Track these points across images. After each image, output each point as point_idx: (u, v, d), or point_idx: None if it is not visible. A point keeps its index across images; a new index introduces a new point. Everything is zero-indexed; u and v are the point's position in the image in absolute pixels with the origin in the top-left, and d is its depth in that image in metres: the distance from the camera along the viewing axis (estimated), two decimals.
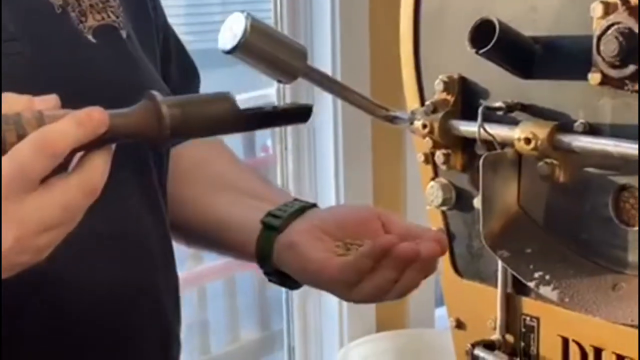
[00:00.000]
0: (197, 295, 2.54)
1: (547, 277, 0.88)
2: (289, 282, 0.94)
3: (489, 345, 0.96)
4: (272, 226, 0.92)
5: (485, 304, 0.97)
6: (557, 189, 0.88)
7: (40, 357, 0.79)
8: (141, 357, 0.88)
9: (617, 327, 0.85)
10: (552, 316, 0.92)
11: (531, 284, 0.88)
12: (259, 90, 2.26)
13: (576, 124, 0.84)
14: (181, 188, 1.01)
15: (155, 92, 0.69)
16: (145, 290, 0.88)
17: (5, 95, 0.64)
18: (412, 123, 0.95)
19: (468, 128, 0.91)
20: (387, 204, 2.02)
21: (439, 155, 0.95)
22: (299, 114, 0.76)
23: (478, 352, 0.96)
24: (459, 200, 0.98)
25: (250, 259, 0.95)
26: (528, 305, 0.94)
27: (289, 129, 1.98)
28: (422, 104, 0.97)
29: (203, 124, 0.71)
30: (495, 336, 0.97)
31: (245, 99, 2.28)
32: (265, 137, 2.43)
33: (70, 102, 0.82)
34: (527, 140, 0.85)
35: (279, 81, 0.91)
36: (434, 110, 0.93)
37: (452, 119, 0.92)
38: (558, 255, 0.88)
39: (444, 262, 1.02)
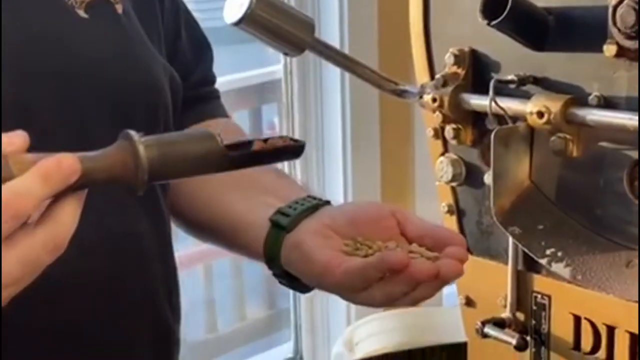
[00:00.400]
0: (204, 273, 2.53)
1: (560, 253, 0.86)
2: (299, 285, 0.88)
3: (499, 323, 0.95)
4: (281, 225, 0.87)
5: (496, 281, 0.96)
6: (570, 164, 0.86)
7: (26, 350, 0.77)
8: (130, 352, 0.85)
9: (630, 305, 0.83)
10: (564, 294, 0.90)
11: (543, 261, 0.87)
12: (266, 68, 2.25)
13: (590, 97, 0.82)
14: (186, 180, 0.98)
15: (131, 132, 0.64)
16: (135, 285, 0.84)
17: None
18: (421, 97, 0.93)
19: (479, 102, 0.89)
20: (395, 181, 2.00)
21: (449, 130, 0.93)
22: (291, 151, 0.71)
23: (488, 330, 0.94)
24: (469, 176, 0.96)
25: (259, 259, 0.89)
26: (539, 282, 0.93)
27: (296, 106, 1.96)
28: (432, 77, 0.95)
29: (184, 166, 0.65)
30: (506, 314, 0.95)
31: (252, 76, 2.26)
32: (272, 114, 2.41)
33: (59, 84, 0.79)
34: (540, 114, 0.83)
35: (286, 54, 0.89)
36: (444, 84, 0.91)
37: (462, 93, 0.91)
38: (571, 231, 0.87)
39: None
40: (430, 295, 0.78)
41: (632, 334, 0.85)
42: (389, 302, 0.79)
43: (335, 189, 1.98)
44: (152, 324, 0.87)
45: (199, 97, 1.00)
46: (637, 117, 0.77)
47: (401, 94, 0.95)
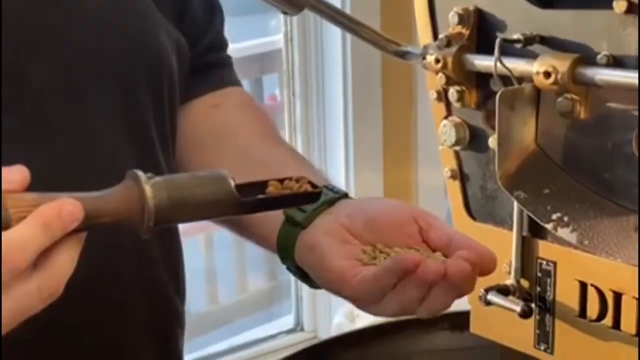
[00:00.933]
0: (204, 243, 2.51)
1: (566, 218, 0.84)
2: (311, 281, 0.84)
3: (503, 291, 0.93)
4: (296, 221, 0.82)
5: (500, 247, 0.93)
6: (578, 126, 0.84)
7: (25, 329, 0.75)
8: (130, 333, 0.82)
9: (638, 270, 0.81)
10: (570, 260, 0.88)
11: (549, 226, 0.84)
12: (267, 37, 2.22)
13: (599, 56, 0.79)
14: (199, 156, 0.92)
15: (138, 172, 0.61)
16: (134, 264, 0.81)
17: None
18: (424, 58, 0.91)
19: (484, 62, 0.87)
20: (397, 146, 1.98)
21: (453, 92, 0.91)
22: (307, 198, 0.68)
23: (491, 297, 0.92)
24: (473, 140, 0.94)
25: (272, 251, 0.86)
26: (545, 248, 0.90)
27: (297, 72, 1.93)
28: (435, 38, 0.92)
29: (193, 211, 0.62)
30: (510, 281, 0.93)
31: (253, 46, 2.23)
32: (273, 86, 2.39)
33: (56, 48, 0.76)
34: (547, 74, 0.80)
35: (285, 13, 0.86)
36: (448, 44, 0.89)
37: (466, 53, 0.88)
38: (578, 195, 0.84)
39: (456, 204, 0.98)
40: (446, 303, 0.75)
41: (639, 300, 0.83)
42: (404, 311, 0.75)
43: (337, 157, 1.96)
44: (155, 305, 0.84)
45: (209, 63, 0.96)
46: None
47: (403, 55, 0.93)
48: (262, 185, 0.67)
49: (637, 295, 0.83)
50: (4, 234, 0.55)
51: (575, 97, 0.81)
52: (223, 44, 0.99)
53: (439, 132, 0.95)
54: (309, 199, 0.68)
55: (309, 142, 1.96)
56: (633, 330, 0.84)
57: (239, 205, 0.63)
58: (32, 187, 0.70)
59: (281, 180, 0.68)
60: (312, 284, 0.84)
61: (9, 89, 0.72)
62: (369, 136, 1.94)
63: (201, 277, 2.46)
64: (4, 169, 0.58)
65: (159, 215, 0.60)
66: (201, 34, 0.94)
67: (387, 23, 1.80)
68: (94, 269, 0.73)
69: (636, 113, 0.80)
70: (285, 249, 0.83)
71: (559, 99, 0.81)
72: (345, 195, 0.84)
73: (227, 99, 0.96)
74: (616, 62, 0.79)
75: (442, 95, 0.94)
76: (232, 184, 0.63)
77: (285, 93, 1.98)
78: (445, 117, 0.95)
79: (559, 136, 0.86)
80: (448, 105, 0.95)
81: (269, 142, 0.93)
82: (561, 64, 0.80)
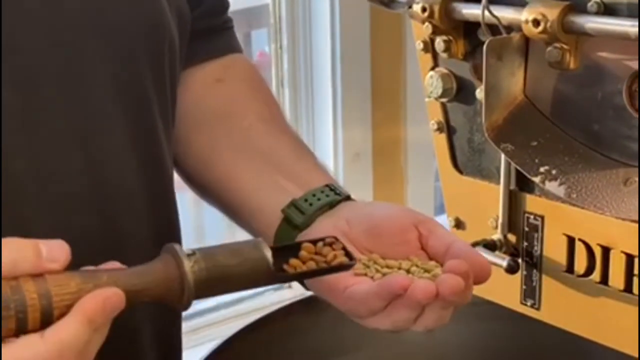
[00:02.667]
0: (193, 199, 2.49)
1: (554, 171, 0.82)
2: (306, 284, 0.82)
3: (490, 245, 0.91)
4: (294, 223, 0.80)
5: (486, 201, 0.92)
6: (567, 77, 0.82)
7: None
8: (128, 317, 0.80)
9: (627, 224, 0.80)
10: (558, 214, 0.86)
11: (536, 179, 0.83)
12: (256, 1, 2.18)
13: (590, 4, 0.77)
14: (200, 136, 0.88)
15: (176, 247, 0.61)
16: (127, 241, 0.77)
17: (7, 242, 0.56)
18: (410, 7, 0.88)
19: (471, 11, 0.84)
20: (385, 99, 1.95)
21: (439, 42, 0.89)
22: (340, 270, 0.68)
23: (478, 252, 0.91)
24: (460, 91, 0.92)
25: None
26: (532, 202, 0.89)
27: (284, 26, 1.90)
28: None
29: (231, 285, 0.63)
30: (497, 236, 0.92)
31: (242, 10, 2.20)
32: (263, 43, 2.36)
33: (51, 22, 0.71)
34: (536, 22, 0.78)
35: None
36: None
37: (454, 2, 0.86)
38: (566, 148, 0.83)
39: (442, 158, 0.97)
40: (442, 318, 0.71)
41: (628, 255, 0.81)
42: (397, 329, 0.72)
43: (325, 113, 1.94)
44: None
45: (211, 28, 0.90)
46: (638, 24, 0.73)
47: (389, 4, 0.90)
48: (295, 248, 0.68)
49: (625, 250, 0.82)
50: (52, 334, 0.56)
51: (565, 46, 0.79)
52: (224, 6, 0.93)
53: (425, 83, 0.93)
54: (343, 270, 0.69)
55: (296, 96, 1.93)
56: (621, 286, 0.83)
57: (275, 278, 0.65)
58: (29, 166, 0.68)
59: (314, 242, 0.69)
60: (306, 286, 0.82)
61: (6, 59, 0.68)
62: (357, 91, 1.91)
63: (189, 235, 2.45)
64: (45, 244, 0.57)
65: (198, 292, 0.61)
66: None
67: None
68: (89, 241, 0.72)
69: (627, 63, 0.78)
70: None
71: (548, 49, 0.79)
72: (348, 197, 0.82)
73: (230, 72, 0.91)
74: (607, 9, 0.76)
75: (429, 46, 0.92)
76: (270, 258, 0.64)
77: (273, 47, 1.95)
78: (432, 69, 0.93)
79: (547, 87, 0.84)
80: (435, 56, 0.92)
81: (274, 128, 0.89)
82: (551, 11, 0.77)
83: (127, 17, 0.75)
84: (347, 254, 0.68)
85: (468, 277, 0.69)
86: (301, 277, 0.69)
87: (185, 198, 2.58)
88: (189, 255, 0.61)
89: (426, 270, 0.72)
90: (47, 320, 0.56)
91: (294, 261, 0.67)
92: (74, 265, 0.59)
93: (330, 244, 0.69)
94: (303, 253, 0.68)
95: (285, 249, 0.68)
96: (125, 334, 0.64)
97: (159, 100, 0.78)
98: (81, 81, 0.72)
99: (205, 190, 0.89)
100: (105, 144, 0.73)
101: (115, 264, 0.61)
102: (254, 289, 0.68)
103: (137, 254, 0.77)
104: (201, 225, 2.54)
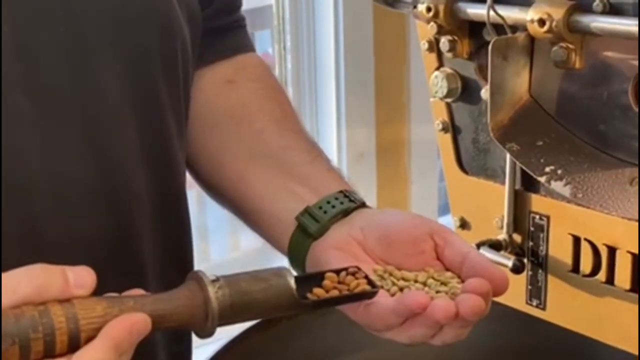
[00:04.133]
0: (196, 199, 2.49)
1: (560, 171, 0.82)
2: None
3: (495, 245, 0.91)
4: (308, 232, 0.79)
5: (492, 201, 0.92)
6: (572, 77, 0.82)
7: None
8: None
9: (633, 224, 0.80)
10: (563, 214, 0.86)
11: (542, 179, 0.83)
12: (259, 2, 2.19)
13: (595, 3, 0.77)
14: (211, 138, 0.87)
15: (201, 274, 0.61)
16: (135, 246, 0.76)
17: (35, 268, 0.57)
18: (415, 7, 0.88)
19: (476, 10, 0.84)
20: (389, 99, 1.95)
21: (444, 42, 0.89)
22: (363, 297, 0.68)
23: (483, 252, 0.91)
24: (465, 91, 0.92)
25: (281, 252, 0.83)
26: (537, 202, 0.89)
27: (287, 27, 1.90)
28: None
29: (255, 313, 0.64)
30: (502, 236, 0.92)
31: (245, 11, 2.20)
32: (266, 44, 2.36)
33: (66, 27, 0.69)
34: (541, 22, 0.78)
35: None
36: None
37: (459, 1, 0.86)
38: (571, 148, 0.82)
39: (447, 158, 0.96)
40: (460, 335, 0.70)
41: (634, 255, 0.81)
42: (414, 344, 0.72)
43: (328, 113, 1.94)
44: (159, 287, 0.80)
45: (222, 27, 0.89)
46: None
47: (394, 4, 0.91)
48: (319, 277, 0.68)
49: (631, 250, 0.82)
50: (79, 358, 0.56)
51: (570, 45, 0.79)
52: (236, 4, 0.92)
53: (430, 83, 0.93)
54: (366, 298, 0.69)
55: (300, 97, 1.93)
56: (627, 286, 0.83)
57: (299, 305, 0.65)
58: (42, 169, 0.68)
59: (337, 272, 0.69)
60: None
61: (13, 69, 0.68)
62: (360, 91, 1.91)
63: (192, 234, 2.45)
64: (72, 270, 0.58)
65: (222, 318, 0.62)
66: None
67: None
68: (95, 245, 0.72)
69: (633, 62, 0.78)
70: (296, 258, 0.80)
71: (554, 48, 0.79)
72: (362, 204, 0.80)
73: (241, 73, 0.89)
74: (612, 9, 0.76)
75: (434, 46, 0.92)
76: (294, 286, 0.64)
77: (277, 48, 1.95)
78: (437, 68, 0.93)
79: (553, 87, 0.84)
80: (439, 55, 0.92)
81: (286, 130, 0.88)
82: (556, 11, 0.77)
83: (138, 19, 0.74)
84: (370, 282, 0.68)
85: (488, 295, 0.69)
86: (324, 305, 0.68)
87: (188, 197, 2.57)
88: (213, 281, 0.62)
89: (443, 283, 0.71)
90: (74, 343, 0.57)
91: (317, 290, 0.67)
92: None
93: (353, 274, 0.69)
94: (326, 282, 0.68)
95: (309, 278, 0.69)
96: (142, 340, 0.64)
97: (172, 102, 0.78)
98: (94, 84, 0.72)
99: (217, 192, 0.88)
100: (118, 147, 0.73)
101: (139, 291, 0.62)
102: (277, 316, 0.68)
103: (149, 255, 0.77)
104: (204, 225, 2.54)
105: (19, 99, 0.68)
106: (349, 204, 0.79)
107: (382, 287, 0.72)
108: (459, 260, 0.73)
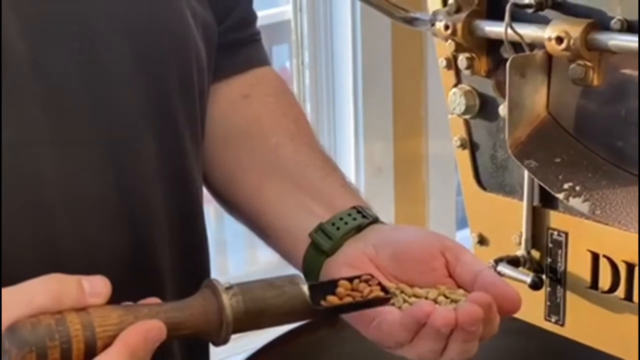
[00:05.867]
0: (215, 214, 2.50)
1: (578, 188, 0.82)
2: None
3: (513, 262, 0.92)
4: (322, 249, 0.79)
5: (510, 218, 0.92)
6: (590, 94, 0.82)
7: None
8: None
9: None
10: (582, 230, 0.86)
11: (560, 196, 0.83)
12: (275, 8, 2.20)
13: (613, 21, 0.77)
14: (226, 154, 0.87)
15: (215, 282, 0.62)
16: (150, 260, 0.76)
17: (51, 278, 0.58)
18: (433, 24, 0.89)
19: (494, 28, 0.85)
20: (407, 115, 1.96)
21: (462, 60, 0.89)
22: (376, 304, 0.68)
23: (501, 268, 0.91)
24: (483, 108, 0.92)
25: (294, 267, 0.83)
26: (556, 218, 0.89)
27: (306, 42, 1.91)
28: (445, 4, 0.90)
29: (269, 321, 0.64)
30: (520, 252, 0.92)
31: (261, 17, 2.21)
32: (284, 58, 2.37)
33: (82, 45, 0.69)
34: (559, 40, 0.78)
35: None
36: (457, 10, 0.87)
37: (476, 19, 0.86)
38: (590, 164, 0.83)
39: (465, 174, 0.97)
40: (467, 351, 0.69)
41: None
42: None
43: (346, 128, 1.95)
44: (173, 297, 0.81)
45: (239, 41, 0.89)
46: None
47: (412, 21, 0.91)
48: (333, 284, 0.68)
49: None
50: None
51: (588, 63, 0.79)
52: (252, 18, 0.92)
53: (448, 100, 0.94)
54: (379, 304, 0.69)
55: (318, 112, 1.94)
56: None
57: (313, 312, 0.65)
58: (59, 184, 0.69)
59: (350, 279, 0.69)
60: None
61: (28, 85, 0.69)
62: (378, 106, 1.92)
63: (211, 249, 2.46)
64: (87, 279, 0.59)
65: (236, 325, 0.62)
66: (230, 8, 0.87)
67: None
68: (108, 257, 0.72)
69: None
70: (310, 274, 0.80)
71: (572, 66, 0.80)
72: (376, 220, 0.80)
73: (257, 87, 0.89)
74: (630, 27, 0.77)
75: (452, 63, 0.92)
76: (307, 293, 0.64)
77: (295, 63, 1.96)
78: (455, 85, 0.93)
79: (571, 104, 0.84)
80: (457, 73, 0.93)
81: (301, 146, 0.88)
82: (574, 29, 0.78)
83: (155, 37, 0.75)
84: (383, 289, 0.69)
85: (490, 308, 0.68)
86: (338, 311, 0.69)
87: (206, 214, 2.58)
88: (226, 288, 0.62)
89: (453, 301, 0.71)
90: (90, 351, 0.57)
91: (331, 297, 0.67)
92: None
93: (367, 281, 0.69)
94: (340, 290, 0.68)
95: (323, 285, 0.69)
96: (158, 348, 0.64)
97: (188, 118, 0.79)
98: (112, 103, 0.72)
99: (232, 206, 0.89)
100: (136, 164, 0.74)
101: (155, 300, 0.62)
102: (291, 323, 0.68)
103: (167, 271, 0.78)
104: (222, 239, 2.55)
105: (39, 117, 0.69)
106: (361, 219, 0.79)
107: (393, 304, 0.72)
108: (471, 278, 0.72)
